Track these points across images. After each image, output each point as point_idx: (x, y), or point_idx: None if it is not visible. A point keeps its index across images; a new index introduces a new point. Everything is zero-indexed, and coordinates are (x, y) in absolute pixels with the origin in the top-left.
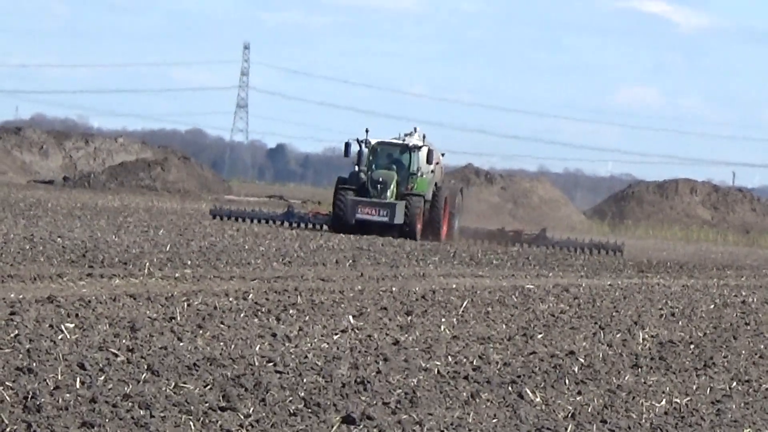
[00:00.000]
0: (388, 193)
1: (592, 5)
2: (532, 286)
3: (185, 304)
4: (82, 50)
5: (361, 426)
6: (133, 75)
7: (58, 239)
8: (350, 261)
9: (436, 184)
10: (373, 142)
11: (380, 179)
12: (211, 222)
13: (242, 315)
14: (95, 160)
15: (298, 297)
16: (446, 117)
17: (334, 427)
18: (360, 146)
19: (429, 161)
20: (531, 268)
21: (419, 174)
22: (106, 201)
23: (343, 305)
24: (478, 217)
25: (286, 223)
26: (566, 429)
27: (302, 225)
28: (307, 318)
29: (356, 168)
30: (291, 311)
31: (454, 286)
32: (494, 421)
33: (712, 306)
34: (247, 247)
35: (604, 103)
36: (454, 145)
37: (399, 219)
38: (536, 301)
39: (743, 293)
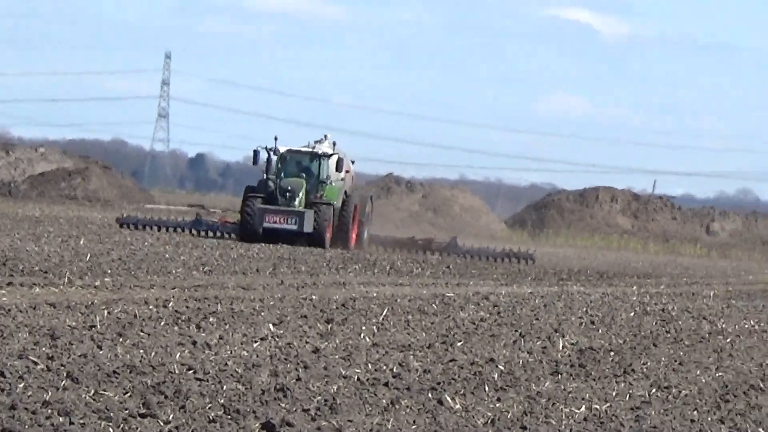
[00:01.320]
0: (297, 201)
1: (516, 13)
2: (452, 295)
3: (105, 312)
4: (1, 60)
5: None
6: (54, 84)
7: None
8: (270, 269)
9: (345, 192)
10: (282, 149)
11: (289, 187)
12: (131, 231)
13: (162, 323)
14: (16, 169)
15: (218, 305)
16: (369, 126)
17: None
18: (269, 154)
19: (338, 169)
20: (451, 276)
21: (329, 182)
22: (26, 210)
23: (263, 313)
24: (397, 226)
25: (194, 232)
26: None
27: (210, 233)
28: (227, 326)
29: (265, 176)
30: (211, 319)
31: (374, 294)
32: (414, 427)
33: (632, 314)
34: (167, 256)
35: (526, 111)
36: (375, 153)
37: (308, 227)
38: (456, 309)
39: (663, 301)
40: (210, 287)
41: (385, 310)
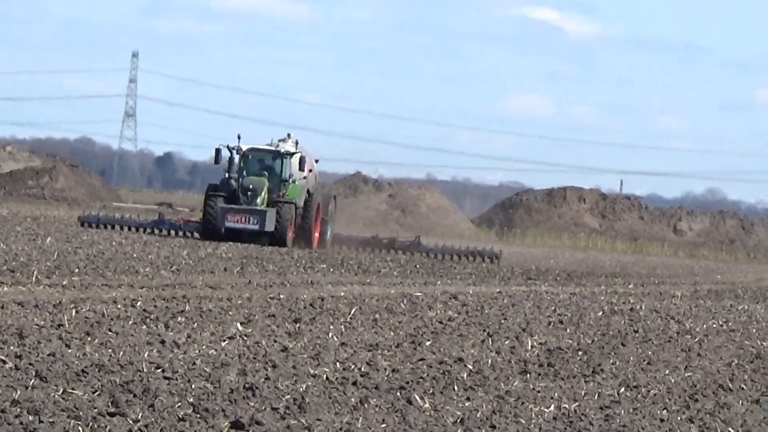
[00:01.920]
0: (259, 200)
1: (482, 13)
2: (420, 294)
3: (73, 311)
4: None
5: (250, 431)
6: (21, 83)
7: None
8: (238, 268)
9: (308, 191)
10: (244, 148)
11: (251, 186)
12: (99, 230)
13: (130, 322)
14: None
15: (186, 304)
16: (337, 125)
17: None
18: (231, 152)
19: (301, 168)
20: (418, 275)
21: (291, 181)
22: None
23: (231, 312)
24: (365, 225)
25: (157, 231)
26: None
27: (173, 232)
28: (195, 325)
29: (227, 174)
30: (179, 318)
31: (342, 293)
32: (383, 426)
33: (600, 313)
34: (135, 255)
35: (495, 111)
36: (343, 153)
37: (270, 226)
38: (424, 308)
39: (631, 301)
40: (178, 286)
41: (353, 310)
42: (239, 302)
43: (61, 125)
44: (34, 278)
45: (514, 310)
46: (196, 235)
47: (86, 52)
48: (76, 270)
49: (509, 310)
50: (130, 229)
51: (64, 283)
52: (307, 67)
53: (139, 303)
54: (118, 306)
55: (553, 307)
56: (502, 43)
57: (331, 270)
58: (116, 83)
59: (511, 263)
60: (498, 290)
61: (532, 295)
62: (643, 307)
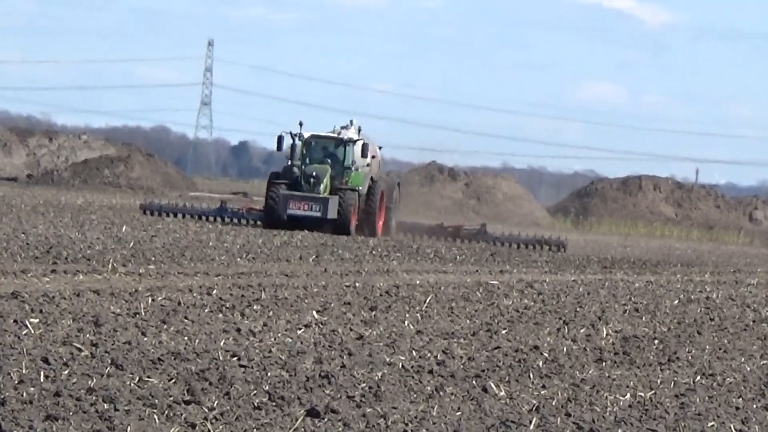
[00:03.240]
0: (322, 188)
1: (556, 1)
2: (496, 282)
3: (149, 299)
4: (45, 47)
5: (326, 419)
6: (96, 72)
7: (22, 235)
8: (314, 257)
9: (372, 178)
10: (306, 135)
11: (313, 173)
12: (174, 219)
13: (206, 310)
14: (59, 157)
15: (262, 292)
16: (409, 113)
17: (299, 421)
18: (293, 140)
19: (364, 155)
20: (494, 264)
21: (354, 168)
22: (69, 198)
23: (306, 300)
24: (440, 214)
25: (219, 219)
26: (530, 422)
27: (235, 220)
28: (271, 313)
29: (289, 162)
30: (255, 306)
31: (417, 281)
32: (458, 414)
33: (676, 302)
34: (210, 243)
35: (568, 99)
36: (417, 141)
37: (332, 214)
38: (500, 296)
39: (707, 289)
40: (254, 274)
41: (429, 298)
42: (315, 290)
43: (136, 114)
44: (110, 266)
45: (589, 299)
46: (259, 222)
47: (161, 41)
48: (152, 258)
49: (585, 298)
50: (192, 217)
51: (140, 271)
52: (379, 55)
53: (215, 291)
54: (194, 294)
55: (628, 296)
56: (576, 32)
57: (407, 258)
58: (189, 72)
59: (587, 251)
60: (573, 279)
61: (608, 284)
62: (719, 296)
